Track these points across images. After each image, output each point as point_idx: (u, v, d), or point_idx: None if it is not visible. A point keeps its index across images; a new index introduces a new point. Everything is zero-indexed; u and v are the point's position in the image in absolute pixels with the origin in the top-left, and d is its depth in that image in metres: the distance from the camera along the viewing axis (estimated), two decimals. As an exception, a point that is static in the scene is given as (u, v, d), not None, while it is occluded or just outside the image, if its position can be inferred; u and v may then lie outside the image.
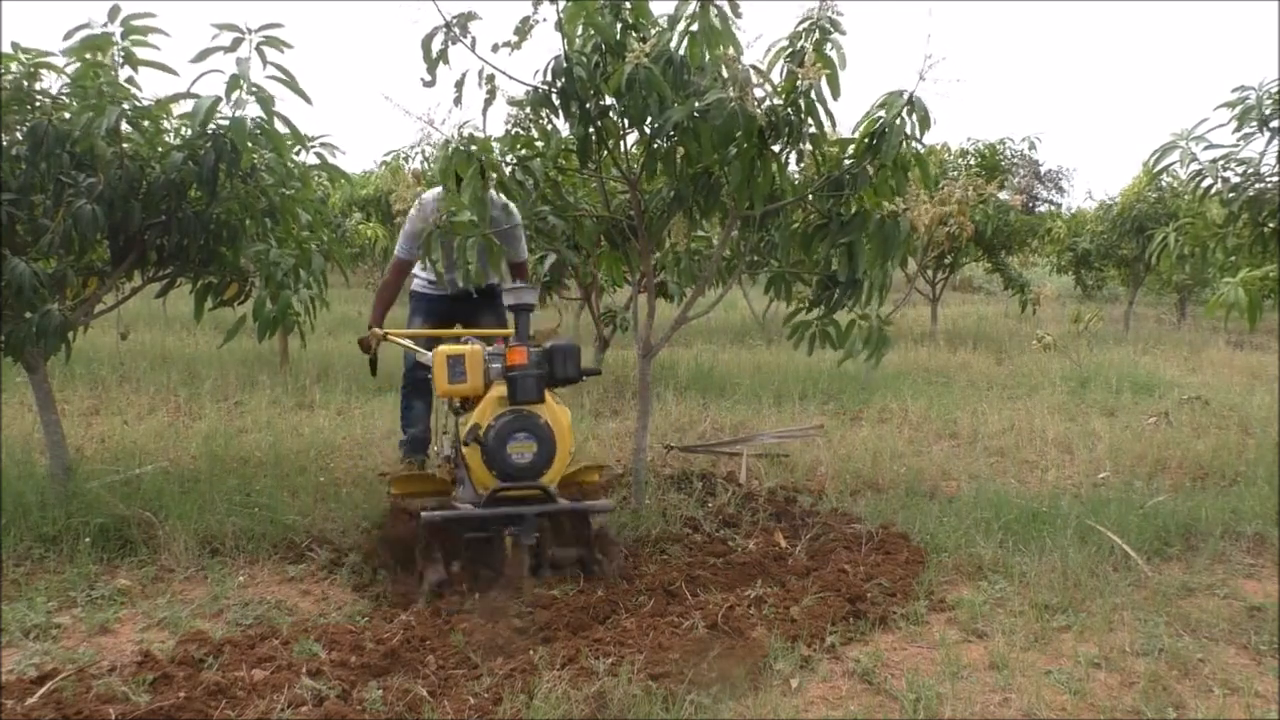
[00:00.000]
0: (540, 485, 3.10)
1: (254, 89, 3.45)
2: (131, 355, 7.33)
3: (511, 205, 4.01)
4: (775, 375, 7.31)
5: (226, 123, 3.46)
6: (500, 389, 3.14)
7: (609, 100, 3.37)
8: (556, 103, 3.39)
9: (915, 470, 4.61)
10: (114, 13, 3.35)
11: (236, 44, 3.31)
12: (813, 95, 3.23)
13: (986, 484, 4.33)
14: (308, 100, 3.56)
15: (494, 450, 3.05)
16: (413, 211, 3.99)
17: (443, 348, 3.25)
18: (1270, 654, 2.77)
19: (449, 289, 4.32)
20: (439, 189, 3.92)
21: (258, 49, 3.36)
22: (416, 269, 4.41)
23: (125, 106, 3.42)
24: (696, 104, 3.16)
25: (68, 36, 3.37)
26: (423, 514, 2.97)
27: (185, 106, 3.61)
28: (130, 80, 3.47)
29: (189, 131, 3.53)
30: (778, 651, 2.70)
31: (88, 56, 3.43)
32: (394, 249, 4.45)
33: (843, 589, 3.10)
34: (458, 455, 3.22)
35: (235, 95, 3.43)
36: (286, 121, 3.60)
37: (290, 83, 3.46)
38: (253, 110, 3.52)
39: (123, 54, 3.43)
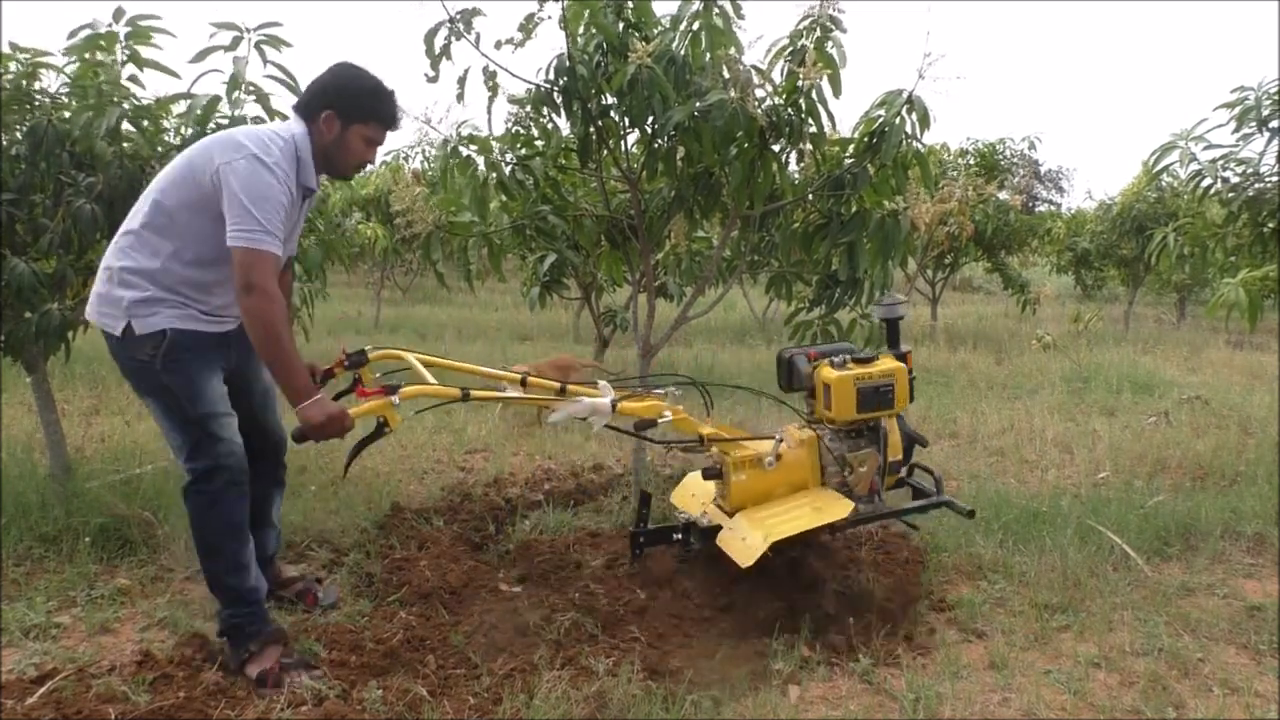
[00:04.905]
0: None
1: (252, 88, 3.46)
2: (131, 355, 7.31)
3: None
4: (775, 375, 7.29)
5: (226, 122, 3.47)
6: None
7: (610, 99, 3.37)
8: (558, 101, 3.39)
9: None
10: (119, 14, 3.36)
11: (236, 43, 3.32)
12: (814, 95, 3.23)
13: (986, 484, 4.32)
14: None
15: (918, 443, 3.18)
16: (267, 174, 2.43)
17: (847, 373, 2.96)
18: (1270, 654, 2.77)
19: (230, 324, 2.67)
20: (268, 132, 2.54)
21: (257, 48, 3.36)
22: (176, 292, 2.53)
23: (125, 106, 3.42)
24: (698, 104, 3.16)
25: (71, 36, 3.37)
26: (954, 502, 3.09)
27: (185, 106, 3.61)
28: (132, 79, 3.48)
29: (189, 130, 3.53)
30: (778, 651, 2.70)
31: (87, 56, 3.43)
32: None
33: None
34: (884, 466, 3.08)
35: (235, 95, 3.44)
36: (285, 120, 3.59)
37: (290, 82, 3.46)
38: (252, 110, 3.53)
39: (127, 53, 3.44)
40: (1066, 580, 3.20)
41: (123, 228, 2.57)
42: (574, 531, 3.65)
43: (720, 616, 2.89)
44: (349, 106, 2.60)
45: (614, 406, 2.82)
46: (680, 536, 3.06)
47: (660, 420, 2.85)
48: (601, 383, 2.90)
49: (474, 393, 2.66)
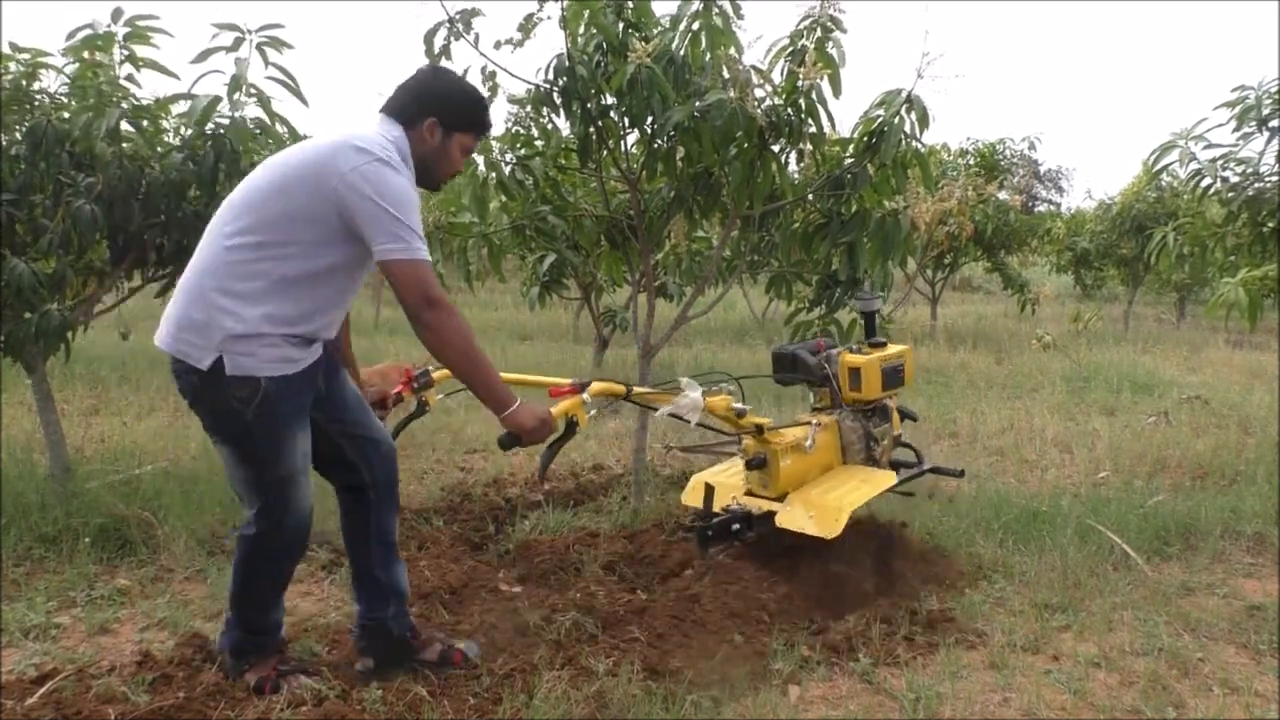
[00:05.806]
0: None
1: (253, 90, 3.46)
2: (131, 355, 7.32)
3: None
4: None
5: (226, 123, 3.47)
6: None
7: (610, 99, 3.37)
8: (558, 101, 3.39)
9: (915, 470, 4.60)
10: (117, 14, 3.36)
11: (237, 44, 3.32)
12: (813, 95, 3.23)
13: (986, 484, 4.32)
14: (305, 102, 3.56)
15: (909, 418, 3.65)
16: (400, 177, 2.25)
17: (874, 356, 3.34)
18: (1270, 653, 2.77)
19: (319, 350, 2.41)
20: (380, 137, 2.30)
21: (258, 49, 3.36)
22: (281, 319, 2.26)
23: (125, 107, 3.42)
24: (697, 104, 3.16)
25: (70, 36, 3.38)
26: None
27: (185, 106, 3.61)
28: (130, 78, 3.48)
29: (188, 131, 3.53)
30: (778, 651, 2.70)
31: (86, 56, 3.44)
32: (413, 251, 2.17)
33: (843, 589, 3.10)
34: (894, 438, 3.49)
35: (236, 96, 3.44)
36: (285, 122, 3.60)
37: (290, 84, 3.46)
38: (252, 111, 3.53)
39: (125, 53, 3.44)
40: (1066, 580, 3.20)
41: (212, 244, 2.28)
42: (574, 531, 3.65)
43: (722, 618, 2.89)
44: (453, 115, 2.43)
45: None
46: (739, 527, 3.13)
47: (747, 411, 3.07)
48: (686, 379, 2.97)
49: (635, 389, 2.85)
